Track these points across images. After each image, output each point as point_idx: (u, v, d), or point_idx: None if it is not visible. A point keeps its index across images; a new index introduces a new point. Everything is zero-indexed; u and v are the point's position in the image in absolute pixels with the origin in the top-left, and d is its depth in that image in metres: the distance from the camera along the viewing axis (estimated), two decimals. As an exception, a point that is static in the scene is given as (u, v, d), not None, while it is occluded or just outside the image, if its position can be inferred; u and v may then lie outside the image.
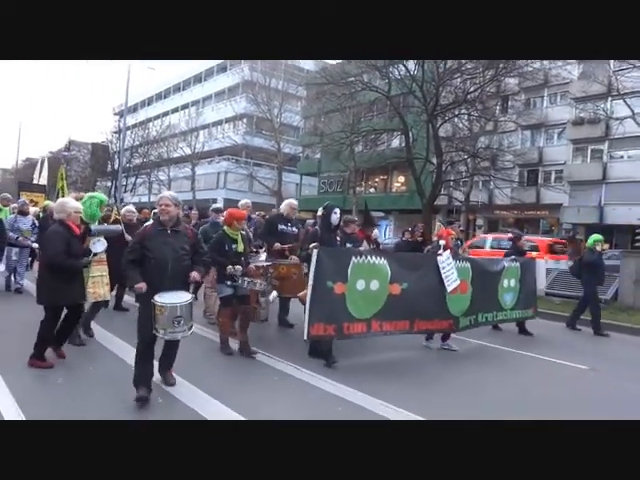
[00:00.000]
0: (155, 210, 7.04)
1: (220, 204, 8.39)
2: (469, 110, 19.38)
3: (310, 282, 5.26)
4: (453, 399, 4.68)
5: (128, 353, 4.81)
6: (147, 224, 4.71)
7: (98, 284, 5.65)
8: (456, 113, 19.40)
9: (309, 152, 37.62)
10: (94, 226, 5.54)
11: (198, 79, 46.26)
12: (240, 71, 38.35)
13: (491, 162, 24.61)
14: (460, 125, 22.80)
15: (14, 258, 8.61)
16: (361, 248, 6.60)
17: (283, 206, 7.49)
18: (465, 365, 6.04)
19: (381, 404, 4.30)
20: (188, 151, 38.82)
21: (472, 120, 22.01)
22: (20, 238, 8.54)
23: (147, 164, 37.78)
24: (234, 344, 5.83)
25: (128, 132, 35.07)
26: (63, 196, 15.15)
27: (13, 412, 3.61)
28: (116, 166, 34.13)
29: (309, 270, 5.41)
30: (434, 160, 18.83)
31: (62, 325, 4.98)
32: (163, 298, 3.96)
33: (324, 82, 19.02)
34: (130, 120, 40.02)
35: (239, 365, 5.39)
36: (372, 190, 34.19)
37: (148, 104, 50.67)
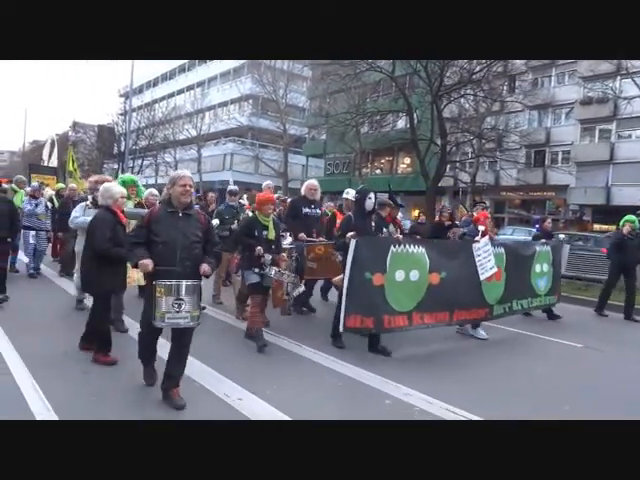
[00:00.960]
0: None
1: (235, 186, 8.17)
2: (475, 90, 19.20)
3: (347, 273, 5.08)
4: (488, 391, 4.54)
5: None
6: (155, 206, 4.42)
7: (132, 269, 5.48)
8: (461, 93, 19.23)
9: (315, 133, 37.50)
10: (127, 209, 5.33)
11: (203, 60, 45.90)
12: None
13: (497, 143, 24.48)
14: (466, 106, 22.64)
15: (31, 242, 8.54)
16: (388, 232, 6.36)
17: (303, 188, 7.20)
18: (498, 355, 5.83)
19: (421, 398, 4.20)
20: (194, 133, 38.77)
21: (478, 101, 21.85)
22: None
23: (153, 146, 37.78)
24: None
25: (134, 114, 35.00)
26: (73, 178, 14.87)
27: (40, 406, 3.52)
28: (122, 148, 34.16)
29: (344, 259, 5.23)
30: (439, 141, 18.74)
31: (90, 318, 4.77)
32: (166, 281, 3.59)
33: (329, 62, 18.83)
34: (136, 102, 39.85)
35: (273, 357, 5.10)
36: (378, 171, 34.08)
37: (154, 85, 50.46)
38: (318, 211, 7.03)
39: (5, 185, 8.38)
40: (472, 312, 6.12)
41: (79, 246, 5.97)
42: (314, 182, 7.25)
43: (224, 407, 3.79)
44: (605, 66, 22.05)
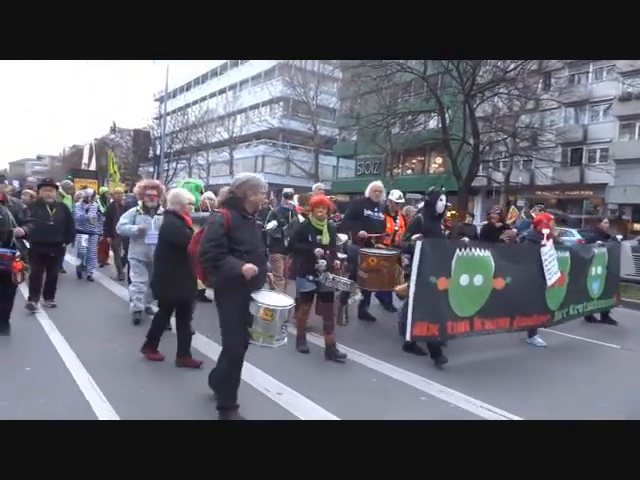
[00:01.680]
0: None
1: (290, 189, 7.89)
2: (509, 89, 18.89)
3: (413, 277, 4.88)
4: (550, 398, 4.41)
5: (215, 351, 4.36)
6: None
7: None
8: (494, 92, 18.95)
9: (345, 134, 37.53)
10: (192, 214, 5.24)
11: (235, 63, 46.55)
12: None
13: (532, 141, 24.00)
14: (499, 104, 22.29)
15: (84, 244, 8.67)
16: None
17: (368, 190, 6.80)
18: (558, 362, 5.63)
19: (481, 406, 4.11)
20: (226, 135, 39.38)
21: (512, 99, 21.48)
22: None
23: (187, 149, 38.55)
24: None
25: (168, 118, 35.80)
26: (113, 181, 15.05)
27: (105, 408, 3.60)
28: (157, 152, 35.00)
29: (410, 262, 5.05)
30: (471, 141, 18.54)
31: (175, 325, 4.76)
32: (264, 298, 3.40)
33: (360, 64, 18.87)
34: (170, 106, 40.78)
35: (334, 366, 4.98)
36: (409, 172, 33.87)
37: (187, 89, 51.45)
38: (381, 215, 6.70)
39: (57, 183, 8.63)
40: (533, 318, 5.92)
41: (132, 252, 6.11)
42: (379, 184, 6.90)
43: (266, 401, 3.96)
44: (645, 61, 21.38)
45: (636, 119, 24.81)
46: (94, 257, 9.05)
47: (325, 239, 5.20)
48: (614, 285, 7.52)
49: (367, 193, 6.77)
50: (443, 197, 5.46)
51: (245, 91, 44.61)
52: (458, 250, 5.14)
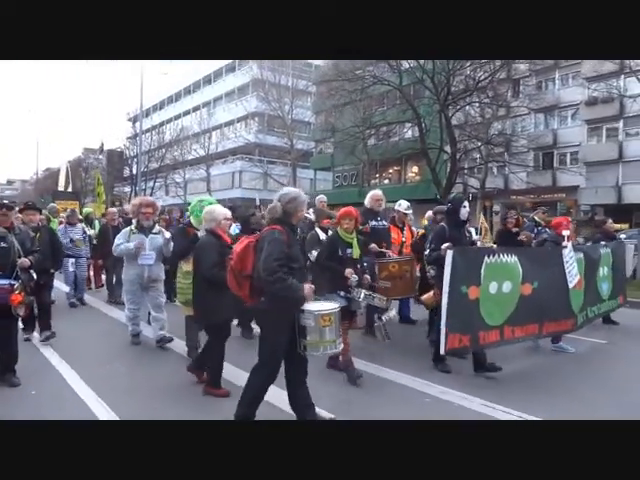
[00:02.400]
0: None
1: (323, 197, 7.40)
2: (481, 98, 19.41)
3: (445, 289, 4.71)
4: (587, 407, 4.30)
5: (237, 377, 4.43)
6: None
7: None
8: (468, 101, 19.44)
9: (322, 147, 37.82)
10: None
11: (207, 80, 46.62)
12: (249, 70, 38.62)
13: (505, 147, 24.59)
14: (472, 112, 22.82)
15: (71, 270, 8.38)
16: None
17: (368, 200, 6.50)
18: (590, 368, 5.54)
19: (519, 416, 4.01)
20: (202, 152, 39.27)
21: (483, 107, 22.03)
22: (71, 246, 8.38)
23: (163, 168, 38.30)
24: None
25: (143, 136, 35.56)
26: (102, 201, 14.71)
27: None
28: (133, 171, 34.71)
29: (438, 273, 4.91)
30: (447, 149, 18.93)
31: (207, 346, 4.56)
32: (314, 307, 3.39)
33: (336, 79, 19.16)
34: (144, 125, 40.57)
35: (377, 384, 4.79)
36: (386, 181, 34.25)
37: (160, 108, 51.22)
38: (385, 223, 6.49)
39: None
40: (560, 323, 5.81)
41: (126, 275, 5.99)
42: (379, 192, 6.61)
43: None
44: (608, 66, 22.14)
45: (603, 122, 25.64)
46: (83, 281, 8.85)
47: (356, 252, 4.91)
48: (620, 285, 7.49)
49: (368, 203, 6.48)
50: (466, 203, 5.30)
51: (219, 108, 44.61)
52: (487, 257, 5.00)
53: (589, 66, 24.17)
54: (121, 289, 7.85)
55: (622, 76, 23.10)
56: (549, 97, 26.24)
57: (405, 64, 19.03)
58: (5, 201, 4.40)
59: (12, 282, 4.23)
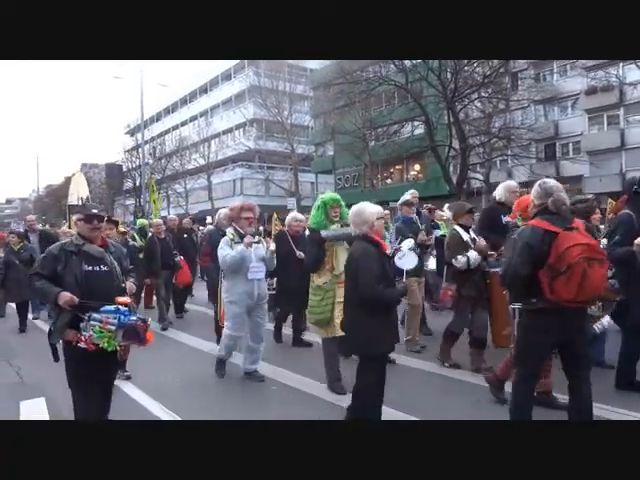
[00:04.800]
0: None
1: (408, 195, 6.63)
2: (488, 93, 19.49)
3: None
4: None
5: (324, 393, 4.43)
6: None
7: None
8: (474, 97, 19.52)
9: (322, 150, 37.86)
10: (325, 232, 4.49)
11: (204, 90, 46.66)
12: (246, 77, 38.69)
13: (507, 141, 24.62)
14: (472, 108, 22.86)
15: None
16: None
17: (501, 192, 5.50)
18: None
19: None
20: (202, 162, 39.29)
21: (484, 102, 22.08)
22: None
23: (164, 179, 38.34)
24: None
25: (142, 148, 35.59)
26: (153, 212, 13.76)
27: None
28: (138, 183, 34.69)
29: (623, 276, 4.23)
30: (455, 145, 18.98)
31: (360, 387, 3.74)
32: None
33: (342, 81, 19.20)
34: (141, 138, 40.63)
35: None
36: (389, 181, 34.27)
37: (157, 120, 51.27)
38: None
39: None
40: None
41: (231, 294, 5.02)
42: (514, 183, 5.78)
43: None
44: (607, 55, 22.20)
45: (603, 111, 25.72)
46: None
47: None
48: None
49: (501, 196, 5.48)
50: None
51: (217, 116, 44.67)
52: None
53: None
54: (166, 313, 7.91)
55: (621, 64, 23.18)
56: (549, 88, 26.30)
57: (409, 62, 19.07)
58: (95, 211, 3.45)
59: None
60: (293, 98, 35.48)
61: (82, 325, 3.06)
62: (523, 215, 4.35)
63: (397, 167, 33.69)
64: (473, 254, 4.94)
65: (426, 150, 20.94)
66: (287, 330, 6.88)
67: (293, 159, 34.63)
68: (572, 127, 26.72)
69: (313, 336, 6.04)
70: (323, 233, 4.44)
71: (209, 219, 18.64)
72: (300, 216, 6.45)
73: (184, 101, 49.07)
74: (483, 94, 19.83)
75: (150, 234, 8.42)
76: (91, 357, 3.07)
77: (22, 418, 4.38)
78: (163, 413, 4.33)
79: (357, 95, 19.58)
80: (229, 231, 5.13)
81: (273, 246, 5.23)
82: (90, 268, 3.28)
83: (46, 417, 4.35)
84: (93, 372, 3.21)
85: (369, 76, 18.14)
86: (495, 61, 18.12)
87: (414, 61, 18.95)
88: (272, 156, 37.58)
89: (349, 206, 5.55)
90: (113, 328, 3.04)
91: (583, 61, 24.82)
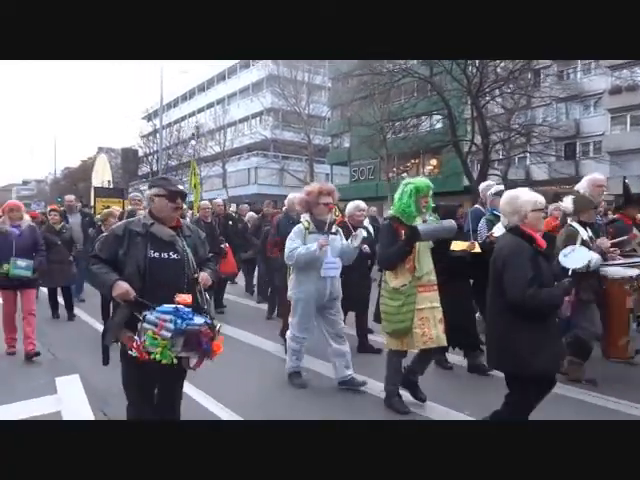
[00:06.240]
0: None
1: (498, 186, 5.84)
2: (510, 88, 19.24)
3: None
4: None
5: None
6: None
7: (428, 321, 3.83)
8: (498, 93, 19.29)
9: (339, 142, 37.72)
10: (422, 226, 3.78)
11: (222, 77, 46.67)
12: (264, 66, 38.56)
13: (527, 138, 24.34)
14: (495, 103, 22.60)
15: None
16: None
17: (585, 185, 5.01)
18: None
19: None
20: (218, 149, 39.34)
21: (506, 98, 21.80)
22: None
23: (179, 165, 38.49)
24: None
25: (159, 135, 35.72)
26: (195, 196, 13.39)
27: None
28: (147, 169, 34.85)
29: None
30: (477, 141, 18.81)
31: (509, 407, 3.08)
32: None
33: (364, 73, 19.04)
34: (158, 123, 40.74)
35: None
36: (404, 175, 34.07)
37: (174, 106, 51.40)
38: (599, 217, 5.16)
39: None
40: None
41: (298, 291, 4.47)
42: (601, 177, 5.19)
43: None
44: (633, 53, 21.81)
45: (627, 111, 25.31)
46: None
47: None
48: None
49: (586, 191, 4.94)
50: None
51: (234, 104, 44.65)
52: None
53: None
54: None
55: (647, 63, 22.77)
56: (572, 86, 25.91)
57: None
58: (182, 187, 2.90)
59: (209, 321, 2.65)
60: (311, 88, 35.34)
61: (139, 327, 2.53)
62: None
63: (413, 161, 33.48)
64: (595, 256, 4.32)
65: (447, 145, 20.75)
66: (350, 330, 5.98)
67: (309, 150, 34.54)
68: (594, 126, 26.36)
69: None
70: (420, 228, 3.72)
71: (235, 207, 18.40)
72: (363, 205, 5.76)
73: (201, 88, 49.12)
74: (506, 90, 19.52)
75: (196, 218, 7.98)
76: (150, 366, 2.54)
77: (59, 394, 4.45)
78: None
79: (379, 87, 19.35)
80: (304, 218, 4.48)
81: (364, 233, 4.56)
82: (156, 255, 2.73)
83: (82, 393, 4.42)
84: (153, 382, 2.77)
85: (392, 68, 17.91)
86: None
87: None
88: (288, 146, 37.52)
89: (364, 199, 5.40)
90: (168, 335, 2.45)
91: (608, 59, 24.46)
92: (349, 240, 4.39)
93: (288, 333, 4.65)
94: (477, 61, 16.80)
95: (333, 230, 4.50)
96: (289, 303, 4.77)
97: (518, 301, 2.80)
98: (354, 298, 5.34)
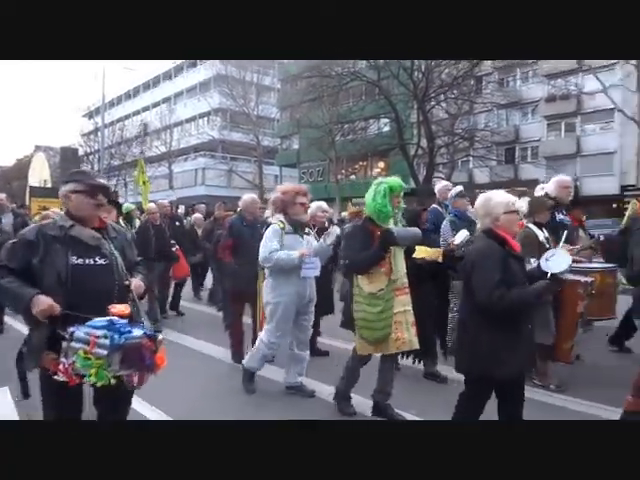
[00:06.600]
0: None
1: (457, 187, 5.73)
2: (455, 93, 19.90)
3: None
4: None
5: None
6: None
7: (402, 324, 3.69)
8: (443, 98, 19.89)
9: (288, 143, 37.72)
10: (397, 230, 3.68)
11: (168, 76, 45.59)
12: (212, 65, 38.02)
13: (471, 142, 25.24)
14: (439, 108, 23.30)
15: None
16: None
17: (552, 187, 5.07)
18: None
19: None
20: (164, 149, 38.40)
21: (450, 103, 22.54)
22: None
23: (123, 165, 37.27)
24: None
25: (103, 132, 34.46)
26: (142, 196, 12.44)
27: None
28: (95, 167, 33.55)
29: None
30: (422, 144, 19.30)
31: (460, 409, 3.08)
32: None
33: (312, 75, 19.16)
34: (100, 121, 39.33)
35: None
36: (353, 177, 34.47)
37: (117, 104, 49.76)
38: (569, 219, 5.18)
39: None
40: None
41: (279, 294, 4.24)
42: (568, 178, 5.25)
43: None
44: (567, 63, 23.05)
45: (561, 118, 26.73)
46: None
47: None
48: None
49: (553, 191, 5.02)
50: None
51: (181, 104, 43.72)
52: None
53: (548, 64, 25.10)
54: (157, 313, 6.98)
55: (580, 74, 24.11)
56: (511, 93, 27.12)
57: (380, 61, 19.25)
58: (103, 181, 2.63)
59: (149, 332, 2.34)
60: (260, 89, 35.15)
61: (64, 346, 2.16)
62: None
63: (362, 163, 33.94)
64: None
65: (394, 148, 21.18)
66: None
67: (258, 151, 34.33)
68: (531, 132, 27.69)
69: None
70: (395, 230, 3.62)
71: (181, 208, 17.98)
72: (326, 206, 5.63)
73: (147, 86, 47.80)
74: (450, 95, 20.20)
75: (143, 220, 7.63)
76: (78, 391, 2.24)
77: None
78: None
79: (327, 89, 19.53)
80: (277, 218, 4.31)
81: (337, 230, 4.46)
82: (80, 261, 2.39)
83: (12, 407, 4.09)
84: (79, 411, 2.43)
85: (340, 71, 18.12)
86: (463, 63, 18.50)
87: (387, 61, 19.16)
88: (236, 147, 37.14)
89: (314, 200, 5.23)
90: (104, 352, 2.12)
91: (545, 69, 25.73)
92: (322, 238, 4.29)
93: (262, 338, 4.41)
94: (423, 67, 17.26)
95: (306, 231, 4.43)
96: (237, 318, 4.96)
97: (486, 303, 2.76)
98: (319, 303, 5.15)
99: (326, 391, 4.34)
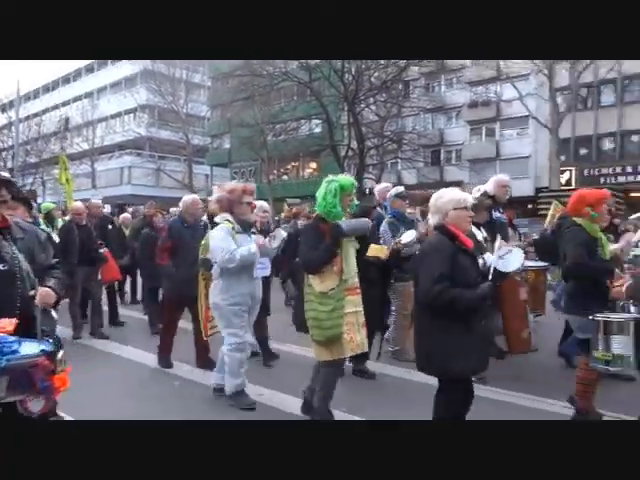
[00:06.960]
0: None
1: (397, 187, 5.73)
2: (384, 97, 20.42)
3: None
4: None
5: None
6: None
7: (353, 325, 3.65)
8: (372, 101, 20.36)
9: (219, 142, 37.10)
10: (345, 222, 3.63)
11: (90, 69, 43.46)
12: (138, 61, 36.68)
13: (399, 145, 26.05)
14: (369, 110, 23.87)
15: None
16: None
17: (492, 186, 5.16)
18: None
19: None
20: (86, 146, 36.57)
21: (379, 106, 23.16)
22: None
23: (40, 163, 35.08)
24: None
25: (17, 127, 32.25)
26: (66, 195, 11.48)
27: None
28: (8, 164, 31.38)
29: None
30: (352, 146, 19.67)
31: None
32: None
33: (243, 74, 18.98)
34: (14, 115, 36.85)
35: None
36: (285, 177, 34.50)
37: (34, 97, 46.77)
38: (505, 216, 5.27)
39: None
40: None
41: (232, 297, 4.07)
42: (506, 177, 5.40)
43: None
44: (488, 72, 24.36)
45: (482, 123, 28.22)
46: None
47: (606, 253, 3.76)
48: None
49: (492, 190, 5.12)
50: None
51: (104, 99, 41.79)
52: None
53: (472, 71, 26.41)
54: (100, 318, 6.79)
55: (498, 82, 25.55)
56: (437, 98, 28.27)
57: (312, 62, 19.40)
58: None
59: (46, 348, 2.03)
60: (190, 86, 34.33)
61: None
62: (597, 209, 3.68)
63: (293, 164, 34.04)
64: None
65: (325, 149, 21.43)
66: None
67: (187, 150, 33.51)
68: (455, 136, 29.03)
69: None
70: (343, 225, 3.55)
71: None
72: (267, 206, 5.51)
73: (66, 80, 45.28)
74: (379, 98, 20.75)
75: (67, 220, 7.15)
76: None
77: None
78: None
79: (258, 89, 19.45)
80: (223, 218, 4.12)
81: (284, 234, 4.49)
82: None
83: None
84: None
85: (272, 71, 18.11)
86: (392, 67, 19.06)
87: (318, 60, 19.33)
88: (165, 145, 35.99)
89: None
90: None
91: (468, 76, 27.04)
92: (267, 240, 4.27)
93: (224, 348, 4.18)
94: (353, 69, 17.59)
95: (254, 230, 4.34)
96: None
97: (425, 298, 2.76)
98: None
99: (277, 398, 4.38)
